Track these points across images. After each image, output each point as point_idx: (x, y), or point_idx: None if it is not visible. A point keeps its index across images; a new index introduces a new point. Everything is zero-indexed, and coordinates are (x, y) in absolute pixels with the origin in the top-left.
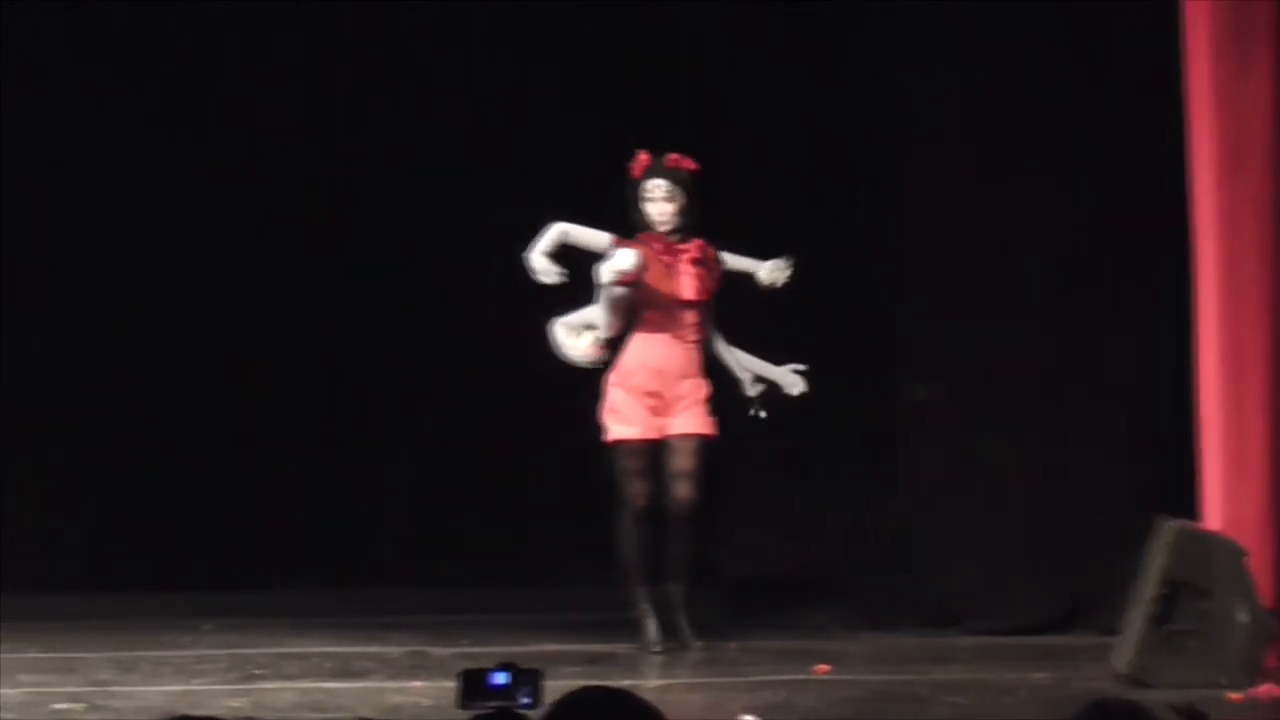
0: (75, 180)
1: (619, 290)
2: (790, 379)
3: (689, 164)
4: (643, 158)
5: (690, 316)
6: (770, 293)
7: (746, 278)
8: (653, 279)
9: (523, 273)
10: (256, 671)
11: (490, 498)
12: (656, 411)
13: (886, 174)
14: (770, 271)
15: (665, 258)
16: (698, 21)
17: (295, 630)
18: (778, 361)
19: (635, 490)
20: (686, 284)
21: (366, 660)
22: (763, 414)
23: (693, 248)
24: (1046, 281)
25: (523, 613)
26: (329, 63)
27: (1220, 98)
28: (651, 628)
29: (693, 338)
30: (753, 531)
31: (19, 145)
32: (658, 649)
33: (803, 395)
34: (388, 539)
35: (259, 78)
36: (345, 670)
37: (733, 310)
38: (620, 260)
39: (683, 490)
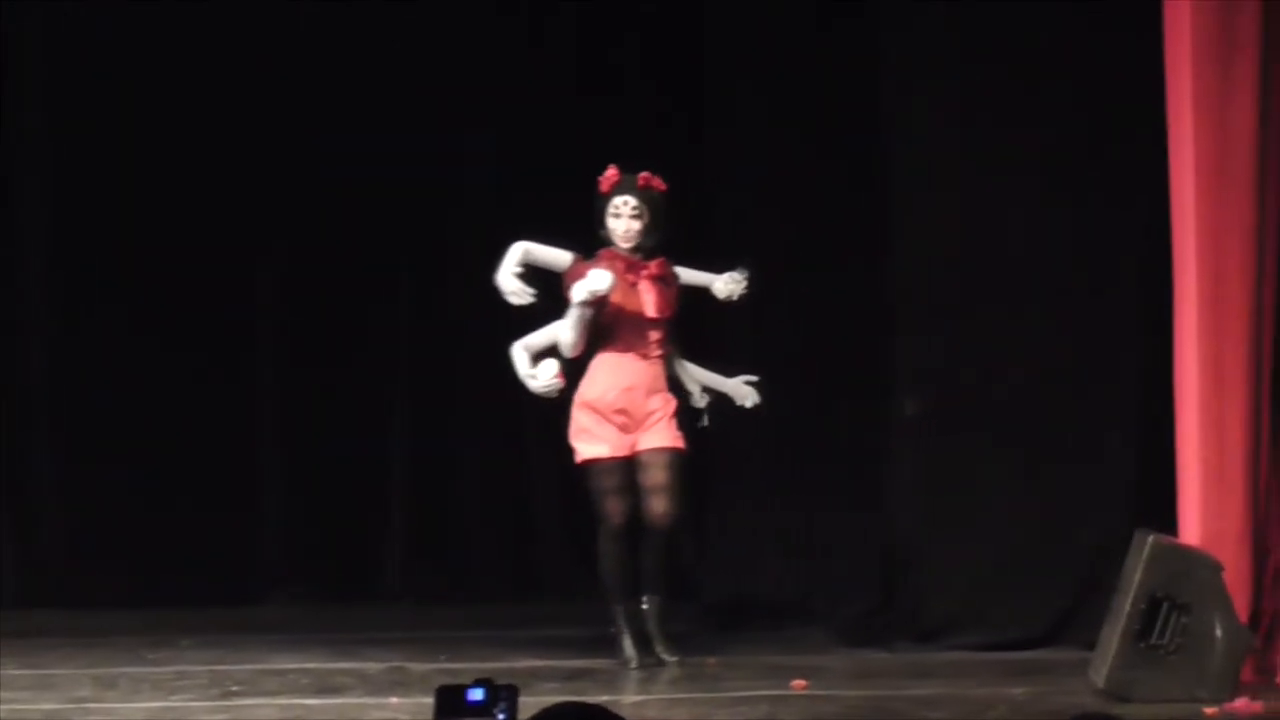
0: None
1: (588, 309)
2: (743, 391)
3: (658, 184)
4: (612, 173)
5: (655, 334)
6: (728, 306)
7: (703, 291)
8: (618, 297)
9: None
10: (235, 688)
11: (469, 515)
12: (626, 429)
13: (872, 190)
14: (726, 284)
15: (629, 276)
16: (693, 32)
17: (274, 646)
18: (763, 374)
19: (612, 508)
20: (650, 301)
21: (345, 676)
22: (705, 424)
23: (654, 265)
24: (1030, 297)
25: (502, 628)
26: (350, 60)
27: (1201, 116)
28: (629, 644)
29: (657, 354)
30: (733, 547)
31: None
32: (635, 665)
33: (756, 407)
34: (367, 556)
35: (271, 70)
36: (324, 686)
37: (717, 324)
38: (596, 280)
39: (659, 505)
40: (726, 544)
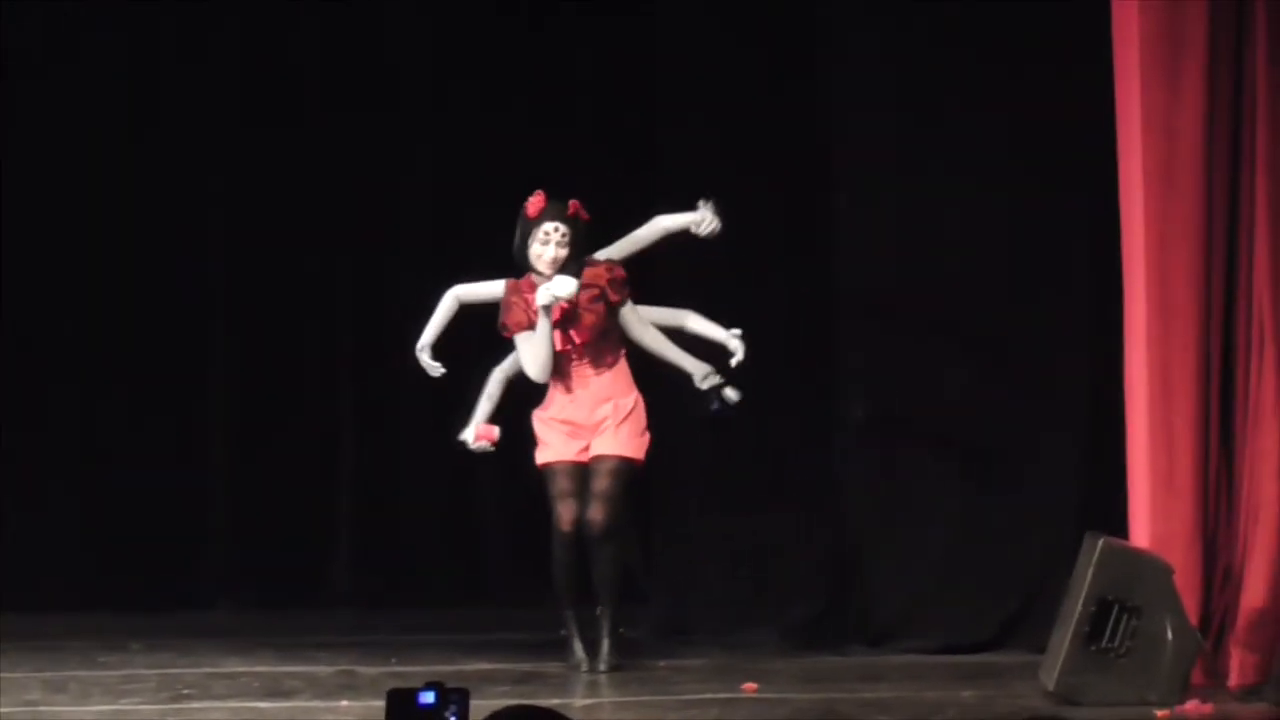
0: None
1: (549, 317)
2: (734, 344)
3: (585, 214)
4: (538, 198)
5: (583, 356)
6: (709, 258)
7: (683, 235)
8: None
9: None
10: (186, 691)
11: (421, 519)
12: (576, 435)
13: (817, 193)
14: (701, 224)
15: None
16: (638, 40)
17: (224, 650)
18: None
19: (560, 512)
20: (559, 335)
21: (295, 680)
22: (716, 407)
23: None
24: (981, 299)
25: (453, 632)
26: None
27: (1150, 121)
28: (579, 647)
29: (593, 371)
30: (682, 550)
31: None
32: (586, 668)
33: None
34: (317, 559)
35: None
36: (274, 690)
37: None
38: (560, 285)
39: (594, 512)
40: (675, 548)
